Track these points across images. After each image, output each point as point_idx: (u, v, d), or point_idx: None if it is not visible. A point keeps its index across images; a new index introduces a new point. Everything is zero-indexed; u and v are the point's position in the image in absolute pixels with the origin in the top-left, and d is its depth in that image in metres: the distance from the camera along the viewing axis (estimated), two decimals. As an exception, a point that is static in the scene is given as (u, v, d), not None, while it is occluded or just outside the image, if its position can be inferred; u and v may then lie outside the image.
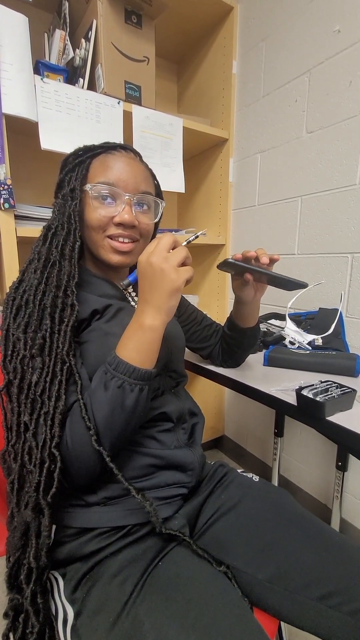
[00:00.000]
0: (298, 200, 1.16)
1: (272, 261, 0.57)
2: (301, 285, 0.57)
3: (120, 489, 0.49)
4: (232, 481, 0.60)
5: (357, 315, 1.02)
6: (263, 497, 0.57)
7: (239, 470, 0.65)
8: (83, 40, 1.03)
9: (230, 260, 0.55)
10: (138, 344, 0.46)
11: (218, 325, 0.80)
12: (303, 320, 1.06)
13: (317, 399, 0.56)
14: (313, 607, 0.45)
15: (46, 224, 0.54)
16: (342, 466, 1.08)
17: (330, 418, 0.56)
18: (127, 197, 0.54)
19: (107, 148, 0.57)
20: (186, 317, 0.79)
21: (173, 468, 0.55)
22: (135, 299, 0.64)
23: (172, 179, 1.26)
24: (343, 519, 1.11)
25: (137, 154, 0.61)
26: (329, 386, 0.61)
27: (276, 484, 1.32)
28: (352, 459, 1.07)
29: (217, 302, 1.54)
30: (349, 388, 0.60)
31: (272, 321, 1.17)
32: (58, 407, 0.44)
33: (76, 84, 1.02)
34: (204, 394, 1.64)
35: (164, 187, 0.58)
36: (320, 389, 0.60)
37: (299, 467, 1.27)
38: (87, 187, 0.54)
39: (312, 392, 0.58)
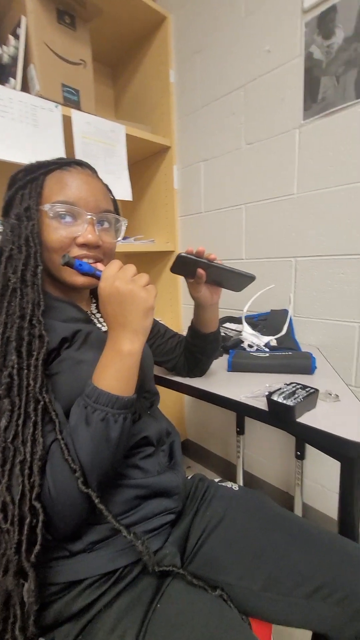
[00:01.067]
0: (242, 207, 1.22)
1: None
2: (250, 277, 0.62)
3: (107, 529, 0.46)
4: (214, 495, 0.61)
5: (303, 314, 1.10)
6: (245, 506, 0.58)
7: (216, 481, 0.66)
8: (11, 37, 0.94)
9: (182, 254, 0.58)
10: (117, 371, 0.43)
11: (181, 336, 0.80)
12: (256, 322, 1.11)
13: (287, 402, 0.59)
14: (304, 604, 0.48)
15: None
16: (300, 455, 1.16)
17: (299, 419, 0.59)
18: (89, 216, 0.52)
19: (61, 164, 0.53)
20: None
21: (159, 495, 0.53)
22: (101, 319, 0.61)
23: (118, 187, 1.23)
24: (305, 503, 1.19)
25: (94, 170, 0.58)
26: (294, 388, 0.64)
27: (241, 481, 1.37)
28: (309, 448, 1.15)
29: (170, 308, 1.54)
30: (312, 388, 0.64)
31: (228, 325, 1.21)
32: (36, 452, 0.39)
33: (6, 84, 0.93)
34: (163, 400, 1.62)
35: (109, 196, 0.57)
36: (287, 391, 0.63)
37: (261, 461, 1.33)
38: (46, 206, 0.50)
39: (282, 396, 0.61)
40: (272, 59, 1.05)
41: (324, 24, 0.92)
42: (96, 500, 0.40)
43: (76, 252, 0.52)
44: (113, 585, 0.45)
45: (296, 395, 0.61)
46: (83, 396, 0.43)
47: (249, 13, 1.08)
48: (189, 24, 1.27)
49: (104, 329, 0.58)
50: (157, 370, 0.91)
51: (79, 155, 1.08)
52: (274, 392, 0.63)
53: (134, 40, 1.42)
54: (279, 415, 0.61)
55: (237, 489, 0.63)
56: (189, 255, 0.59)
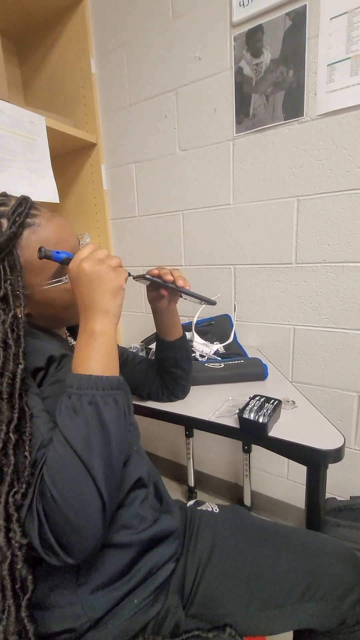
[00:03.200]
0: (179, 214, 1.21)
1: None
2: (211, 303, 0.64)
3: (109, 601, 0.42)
4: (199, 525, 0.60)
5: (244, 318, 1.17)
6: (229, 529, 0.60)
7: (198, 508, 0.65)
8: None
9: (148, 276, 0.59)
10: (94, 353, 0.42)
11: (151, 360, 0.76)
12: (203, 330, 1.13)
13: (260, 419, 0.62)
14: (295, 610, 0.52)
15: None
16: (247, 449, 1.24)
17: (270, 433, 0.63)
18: (85, 243, 0.52)
19: (22, 214, 0.48)
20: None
21: (157, 544, 0.50)
22: None
23: (42, 187, 1.09)
24: (253, 490, 1.29)
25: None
26: (260, 401, 0.68)
27: (192, 480, 1.41)
28: (254, 441, 1.24)
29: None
30: (275, 400, 0.68)
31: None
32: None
33: None
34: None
35: (33, 197, 0.51)
36: (255, 406, 0.66)
37: (211, 458, 1.39)
38: (53, 281, 0.50)
39: (252, 413, 0.64)
40: (203, 67, 1.05)
41: (252, 42, 0.95)
42: (105, 495, 0.36)
43: None
44: None
45: (264, 409, 0.65)
46: (65, 388, 0.40)
47: (177, 16, 1.05)
48: (112, 12, 1.18)
49: None
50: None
51: (-6, 151, 0.92)
52: (244, 408, 0.65)
53: (45, 17, 1.26)
54: (251, 432, 0.63)
55: (217, 510, 0.64)
56: (154, 279, 0.60)
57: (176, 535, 0.54)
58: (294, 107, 0.93)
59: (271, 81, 0.94)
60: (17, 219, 0.47)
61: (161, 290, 0.64)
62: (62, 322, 0.58)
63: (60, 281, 0.50)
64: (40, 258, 0.46)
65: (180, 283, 0.59)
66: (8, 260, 0.45)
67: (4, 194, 0.51)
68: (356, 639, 0.55)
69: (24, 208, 0.48)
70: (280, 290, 1.07)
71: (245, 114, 1.00)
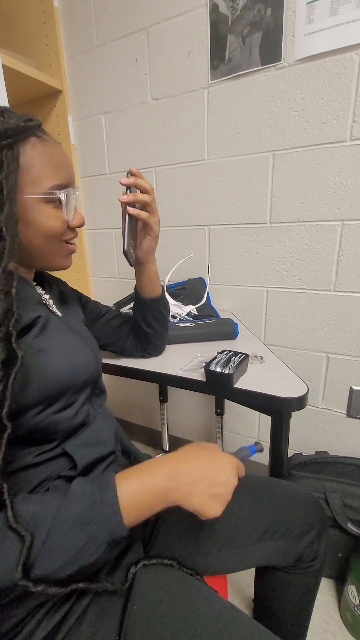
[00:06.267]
0: (152, 170, 1.15)
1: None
2: (130, 262, 0.57)
3: None
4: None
5: (217, 282, 1.15)
6: None
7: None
8: None
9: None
10: (144, 504, 0.37)
11: (126, 316, 0.73)
12: (175, 292, 1.11)
13: (225, 371, 0.61)
14: (255, 549, 0.53)
15: None
16: (220, 412, 1.26)
17: (235, 385, 0.62)
18: (76, 194, 0.49)
19: (32, 127, 0.43)
20: (90, 313, 0.69)
21: None
22: (51, 303, 0.53)
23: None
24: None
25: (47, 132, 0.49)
26: (227, 355, 0.67)
27: (167, 444, 1.43)
28: (227, 404, 1.26)
29: (78, 282, 1.41)
30: (243, 354, 0.68)
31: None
32: None
33: None
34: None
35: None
36: (222, 360, 0.65)
37: (184, 423, 1.41)
38: (52, 191, 0.44)
39: (218, 365, 0.63)
40: (176, 2, 0.96)
41: (228, -27, 0.87)
42: (36, 589, 0.32)
43: (69, 234, 0.50)
44: (76, 602, 0.40)
45: (231, 363, 0.64)
46: (100, 492, 0.36)
47: None
48: None
49: (59, 313, 0.54)
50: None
51: None
52: (210, 362, 0.64)
53: None
54: (217, 384, 0.62)
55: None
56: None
57: None
58: (271, 51, 0.87)
59: (248, 20, 0.87)
60: (29, 121, 0.42)
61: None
62: (34, 260, 0.48)
63: (52, 194, 0.44)
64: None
65: (130, 210, 0.55)
66: (7, 153, 0.39)
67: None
68: (312, 573, 0.58)
69: (37, 122, 0.44)
70: (254, 252, 1.05)
71: (220, 59, 0.94)
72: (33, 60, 1.17)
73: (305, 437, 1.12)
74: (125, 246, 0.54)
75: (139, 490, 0.37)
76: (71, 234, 0.50)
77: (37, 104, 1.24)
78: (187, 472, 0.40)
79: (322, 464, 0.97)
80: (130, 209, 0.55)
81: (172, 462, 0.41)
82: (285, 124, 0.90)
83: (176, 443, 1.44)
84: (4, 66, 0.96)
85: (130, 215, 0.55)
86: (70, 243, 0.51)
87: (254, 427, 1.24)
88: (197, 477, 0.40)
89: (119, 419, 1.59)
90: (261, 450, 0.52)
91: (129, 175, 0.55)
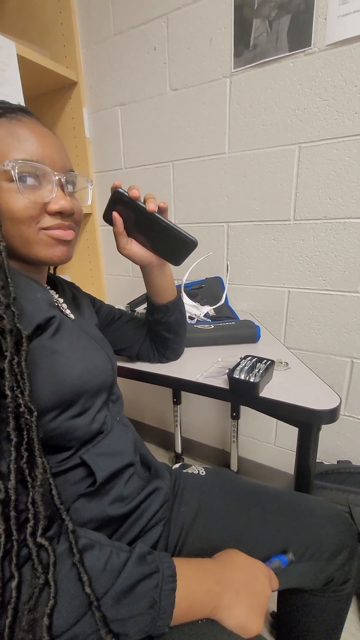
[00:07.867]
0: (170, 165, 1.10)
1: (161, 210, 0.52)
2: (191, 243, 0.52)
3: None
4: (184, 488, 0.57)
5: (236, 281, 1.10)
6: (215, 491, 0.56)
7: (183, 471, 0.62)
8: None
9: (120, 190, 0.49)
10: (194, 607, 0.36)
11: (142, 319, 0.70)
12: (192, 292, 1.07)
13: (251, 379, 0.57)
14: (282, 571, 0.49)
15: None
16: (236, 416, 1.22)
17: (261, 394, 0.58)
18: (57, 177, 0.43)
19: (5, 109, 0.41)
20: (103, 317, 0.66)
21: (145, 512, 0.47)
22: (64, 306, 0.52)
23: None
24: (240, 456, 1.29)
25: (42, 122, 0.45)
26: (252, 361, 0.63)
27: (179, 447, 1.40)
28: (243, 408, 1.22)
29: (90, 279, 1.38)
30: (268, 360, 0.63)
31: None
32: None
33: None
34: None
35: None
36: (246, 366, 0.61)
37: (198, 426, 1.37)
38: (7, 164, 0.39)
39: (243, 372, 0.59)
40: (198, -13, 0.91)
41: None
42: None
43: (48, 222, 0.43)
44: None
45: (256, 370, 0.60)
46: (164, 575, 0.35)
47: None
48: None
49: (72, 317, 0.52)
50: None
51: None
52: (234, 368, 0.60)
53: None
54: (242, 392, 0.59)
55: (204, 473, 0.60)
56: (125, 193, 0.50)
57: (165, 498, 0.51)
58: (300, 35, 0.81)
59: (276, 3, 0.82)
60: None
61: (113, 214, 0.51)
62: (14, 249, 0.43)
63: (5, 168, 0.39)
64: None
65: (151, 206, 0.49)
66: None
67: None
68: (342, 597, 0.54)
69: (13, 106, 0.42)
70: (275, 250, 1.00)
71: (245, 45, 0.88)
72: (48, 51, 1.14)
73: (326, 445, 1.07)
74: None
75: (192, 597, 0.36)
76: (52, 221, 0.43)
77: (51, 96, 1.21)
78: (231, 578, 0.40)
79: (345, 474, 0.92)
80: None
81: (217, 564, 0.41)
82: (313, 114, 0.85)
83: (189, 446, 1.41)
84: (19, 57, 0.93)
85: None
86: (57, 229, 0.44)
87: (270, 432, 1.20)
88: (239, 585, 0.39)
89: (132, 420, 1.57)
90: (292, 562, 0.48)
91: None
